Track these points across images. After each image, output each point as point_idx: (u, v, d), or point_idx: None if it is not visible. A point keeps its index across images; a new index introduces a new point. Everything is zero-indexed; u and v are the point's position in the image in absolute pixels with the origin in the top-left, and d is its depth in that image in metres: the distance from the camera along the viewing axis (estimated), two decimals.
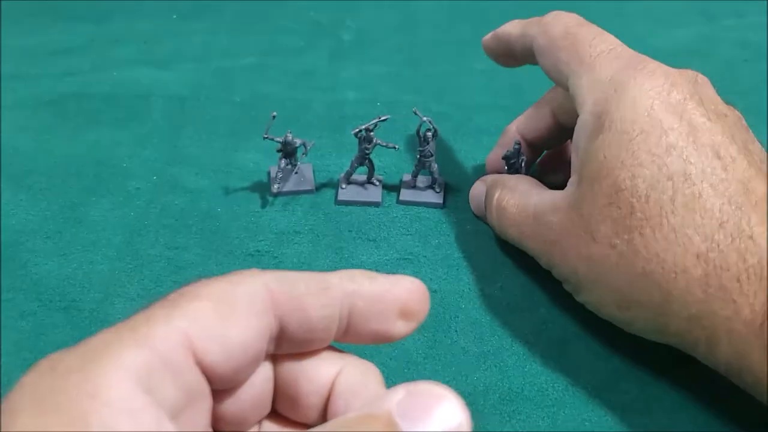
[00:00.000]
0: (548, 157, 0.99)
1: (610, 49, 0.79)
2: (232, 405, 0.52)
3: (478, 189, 0.96)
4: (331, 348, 0.56)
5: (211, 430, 0.51)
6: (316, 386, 0.54)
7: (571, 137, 0.75)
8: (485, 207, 0.91)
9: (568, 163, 0.76)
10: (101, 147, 1.20)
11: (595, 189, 0.66)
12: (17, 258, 0.99)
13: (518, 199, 0.82)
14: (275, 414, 0.56)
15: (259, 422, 0.56)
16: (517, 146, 0.93)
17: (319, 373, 0.54)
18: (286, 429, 0.56)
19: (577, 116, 0.73)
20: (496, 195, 0.86)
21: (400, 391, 0.45)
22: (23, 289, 0.93)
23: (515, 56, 0.94)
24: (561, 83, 0.80)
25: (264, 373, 0.53)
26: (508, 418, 0.77)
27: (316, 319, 0.51)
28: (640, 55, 0.80)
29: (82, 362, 0.41)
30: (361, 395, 0.53)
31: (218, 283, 0.50)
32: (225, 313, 0.48)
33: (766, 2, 1.57)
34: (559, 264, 0.73)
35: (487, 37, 0.99)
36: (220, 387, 0.49)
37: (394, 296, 0.53)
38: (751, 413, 0.75)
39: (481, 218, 0.96)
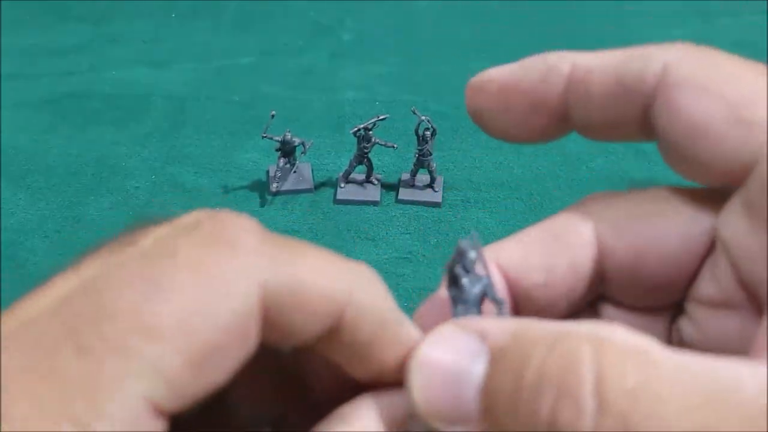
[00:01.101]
0: None
1: None
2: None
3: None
4: None
5: None
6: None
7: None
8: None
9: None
10: (100, 146, 1.21)
11: None
12: (16, 257, 0.99)
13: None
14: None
15: None
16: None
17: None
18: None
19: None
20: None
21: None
22: (21, 289, 0.93)
23: (570, 115, 0.41)
24: (720, 175, 0.37)
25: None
26: None
27: (294, 339, 0.37)
28: None
29: None
30: None
31: (194, 288, 0.33)
32: (201, 357, 0.33)
33: (765, 1, 1.57)
34: None
35: (493, 80, 0.41)
36: None
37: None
38: None
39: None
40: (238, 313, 0.33)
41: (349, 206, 1.12)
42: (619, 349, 0.32)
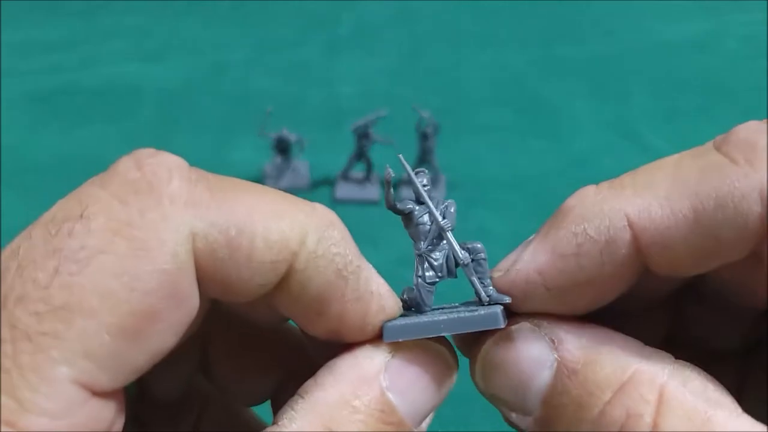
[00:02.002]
0: None
1: None
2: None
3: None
4: None
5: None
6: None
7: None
8: None
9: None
10: (91, 143, 1.20)
11: None
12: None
13: None
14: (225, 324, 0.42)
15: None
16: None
17: None
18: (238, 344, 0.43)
19: None
20: None
21: (386, 350, 0.35)
22: None
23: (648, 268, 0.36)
24: None
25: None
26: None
27: (244, 293, 0.34)
28: None
29: None
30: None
31: (113, 253, 0.30)
32: (131, 327, 0.30)
33: None
34: None
35: (533, 281, 0.36)
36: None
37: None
38: None
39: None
40: (167, 273, 0.30)
41: (348, 205, 1.11)
42: (681, 411, 0.32)
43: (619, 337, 0.35)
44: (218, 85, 1.32)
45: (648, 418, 0.32)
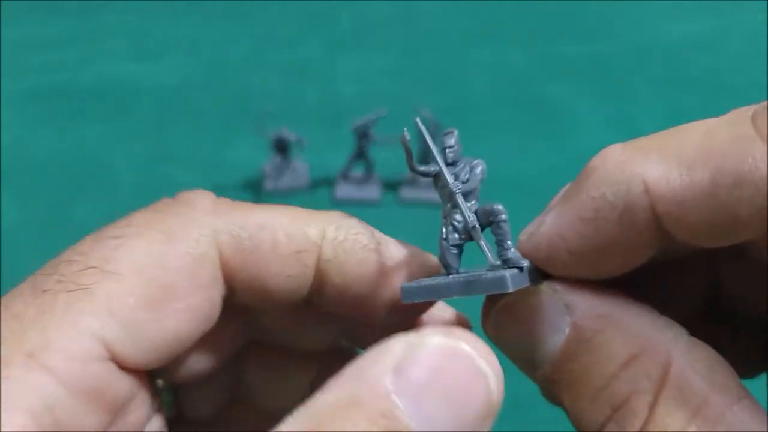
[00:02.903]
0: None
1: None
2: (187, 365, 0.39)
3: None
4: None
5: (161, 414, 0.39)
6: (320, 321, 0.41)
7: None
8: None
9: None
10: (88, 143, 1.19)
11: None
12: (1, 261, 0.98)
13: None
14: (261, 344, 0.43)
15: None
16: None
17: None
18: (275, 362, 0.43)
19: None
20: None
21: (396, 350, 0.30)
22: (6, 291, 0.92)
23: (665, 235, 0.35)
24: None
25: (229, 320, 0.39)
26: (521, 424, 0.75)
27: (277, 291, 0.37)
28: None
29: None
30: None
31: (145, 239, 0.35)
32: (155, 298, 0.34)
33: None
34: None
35: (556, 246, 0.36)
36: (162, 366, 0.37)
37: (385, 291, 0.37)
38: None
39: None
40: (189, 256, 0.35)
41: (348, 206, 1.10)
42: (681, 391, 0.32)
43: (635, 307, 0.34)
44: (217, 84, 1.32)
45: (650, 396, 0.33)
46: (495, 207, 0.36)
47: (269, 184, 1.10)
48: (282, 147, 1.10)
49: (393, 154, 1.17)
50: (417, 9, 1.51)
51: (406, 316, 0.38)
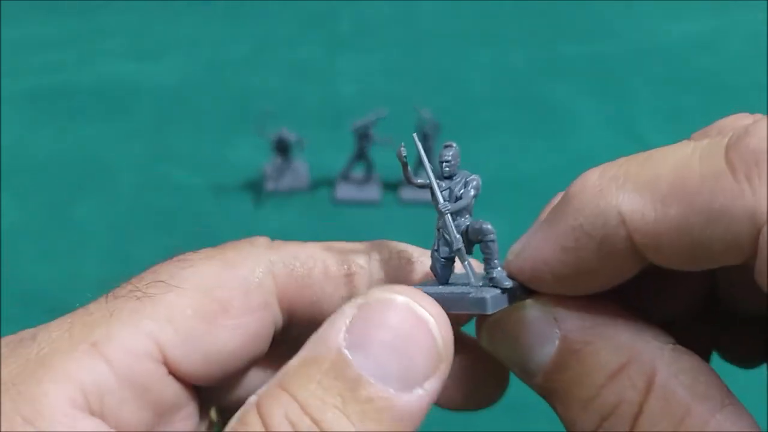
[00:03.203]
0: None
1: None
2: (235, 391, 0.43)
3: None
4: None
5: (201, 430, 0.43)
6: None
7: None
8: None
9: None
10: (87, 143, 1.19)
11: None
12: (0, 260, 0.98)
13: None
14: None
15: None
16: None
17: None
18: None
19: None
20: None
21: (348, 312, 0.34)
22: (5, 293, 0.92)
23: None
24: None
25: (276, 353, 0.42)
26: (519, 424, 0.76)
27: (331, 312, 0.39)
28: None
29: (23, 373, 0.34)
30: None
31: (208, 263, 0.39)
32: (210, 312, 0.38)
33: None
34: None
35: (539, 269, 0.37)
36: (209, 385, 0.41)
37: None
38: None
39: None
40: (246, 280, 0.39)
41: (348, 206, 1.11)
42: (665, 401, 0.33)
43: (622, 317, 0.36)
44: (217, 84, 1.32)
45: (635, 406, 0.34)
46: (484, 226, 0.37)
47: (269, 185, 1.10)
48: (282, 147, 1.10)
49: (393, 155, 1.17)
50: (417, 9, 1.51)
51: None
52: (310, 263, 0.41)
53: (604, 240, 0.33)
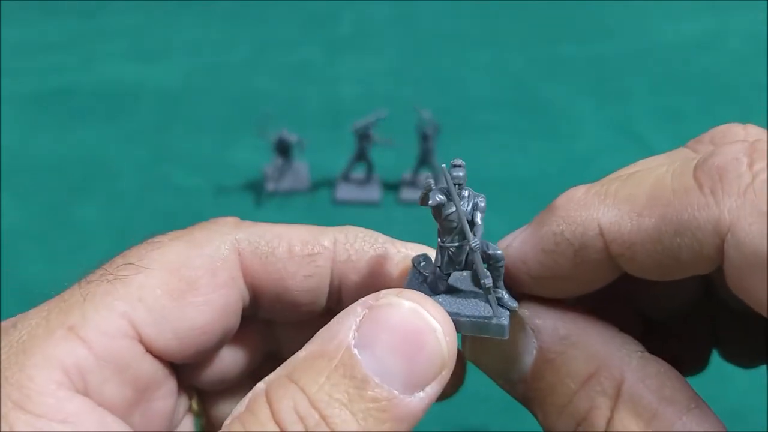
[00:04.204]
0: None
1: None
2: (210, 369, 0.44)
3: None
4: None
5: (179, 408, 0.44)
6: None
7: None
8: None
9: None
10: (88, 145, 1.19)
11: None
12: (2, 261, 0.98)
13: None
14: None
15: (255, 372, 0.48)
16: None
17: None
18: None
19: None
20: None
21: (359, 311, 0.35)
22: (6, 293, 0.91)
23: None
24: None
25: (250, 332, 0.45)
26: (516, 424, 0.75)
27: (297, 292, 0.43)
28: None
29: (7, 360, 0.36)
30: None
31: (175, 244, 0.41)
32: (179, 290, 0.39)
33: None
34: None
35: (520, 270, 0.41)
36: (185, 362, 0.42)
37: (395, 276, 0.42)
38: None
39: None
40: (211, 258, 0.40)
41: (348, 207, 1.10)
42: (633, 405, 0.35)
43: (594, 327, 0.38)
44: (218, 85, 1.31)
45: (606, 411, 0.36)
46: (497, 253, 0.39)
47: (270, 186, 1.10)
48: (283, 148, 1.10)
49: (393, 155, 1.17)
50: (416, 11, 1.51)
51: None
52: (275, 242, 0.42)
53: (581, 248, 0.36)
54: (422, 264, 0.41)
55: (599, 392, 0.36)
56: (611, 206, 0.36)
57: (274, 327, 0.47)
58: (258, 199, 1.11)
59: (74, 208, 1.08)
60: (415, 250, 0.43)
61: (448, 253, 0.38)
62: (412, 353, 0.35)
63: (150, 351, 0.39)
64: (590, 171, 1.20)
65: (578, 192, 0.38)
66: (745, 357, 0.49)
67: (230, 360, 0.45)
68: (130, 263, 0.40)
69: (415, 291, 0.37)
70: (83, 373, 0.36)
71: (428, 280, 0.39)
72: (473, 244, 0.38)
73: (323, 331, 0.36)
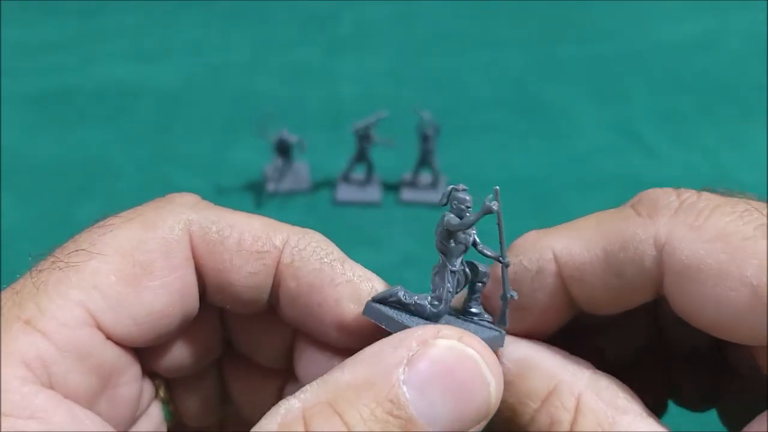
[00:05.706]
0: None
1: None
2: (172, 355, 0.43)
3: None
4: None
5: (144, 390, 0.43)
6: (280, 335, 0.44)
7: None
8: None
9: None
10: (88, 145, 1.19)
11: None
12: (1, 261, 0.97)
13: None
14: (236, 354, 0.47)
15: (218, 362, 0.47)
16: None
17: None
18: (248, 374, 0.47)
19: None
20: None
21: (413, 346, 0.34)
22: None
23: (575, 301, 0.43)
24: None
25: (208, 318, 0.44)
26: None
27: (239, 287, 0.41)
28: None
29: None
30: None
31: (128, 226, 0.40)
32: (133, 275, 0.38)
33: None
34: None
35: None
36: (146, 346, 0.41)
37: (335, 298, 0.40)
38: None
39: None
40: (165, 240, 0.40)
41: (348, 207, 1.10)
42: (592, 416, 0.38)
43: (547, 350, 0.41)
44: (218, 86, 1.31)
45: (567, 425, 0.38)
46: (486, 270, 0.41)
47: (270, 186, 1.10)
48: (283, 149, 1.10)
49: (393, 156, 1.17)
50: (416, 11, 1.51)
51: (353, 338, 0.41)
52: (226, 232, 0.41)
53: (538, 272, 0.40)
54: (402, 294, 0.39)
55: (559, 407, 0.39)
56: (563, 236, 0.41)
57: (226, 315, 0.46)
58: (258, 200, 1.10)
59: (74, 208, 1.08)
60: (366, 275, 0.42)
61: (457, 276, 0.40)
62: (461, 401, 0.35)
63: (110, 338, 0.39)
64: (590, 171, 1.21)
65: (533, 232, 0.43)
66: (696, 401, 0.52)
67: (192, 345, 0.44)
68: (82, 249, 0.39)
69: (473, 336, 0.36)
70: (46, 366, 0.36)
71: (428, 311, 0.39)
72: (505, 260, 0.40)
73: (371, 355, 0.35)
